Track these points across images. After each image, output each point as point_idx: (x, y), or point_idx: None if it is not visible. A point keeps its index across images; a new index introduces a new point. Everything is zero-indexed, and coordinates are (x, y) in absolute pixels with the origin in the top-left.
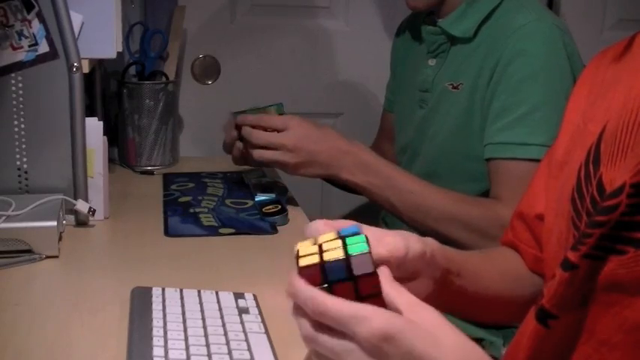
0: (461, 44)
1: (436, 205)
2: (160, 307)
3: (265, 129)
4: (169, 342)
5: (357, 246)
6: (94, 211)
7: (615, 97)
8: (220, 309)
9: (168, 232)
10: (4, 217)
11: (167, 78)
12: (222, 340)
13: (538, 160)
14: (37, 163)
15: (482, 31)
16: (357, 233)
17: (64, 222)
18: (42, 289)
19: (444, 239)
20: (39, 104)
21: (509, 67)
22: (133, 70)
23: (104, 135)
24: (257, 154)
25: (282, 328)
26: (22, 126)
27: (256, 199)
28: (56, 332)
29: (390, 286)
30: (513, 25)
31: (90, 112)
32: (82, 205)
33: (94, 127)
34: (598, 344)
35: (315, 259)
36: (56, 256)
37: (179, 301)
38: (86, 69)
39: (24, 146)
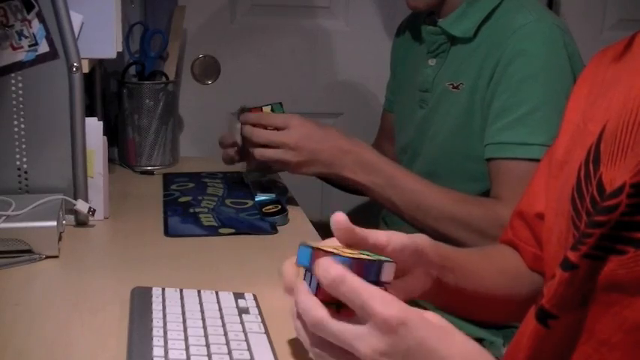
0: (461, 44)
1: (437, 204)
2: (160, 307)
3: (266, 127)
4: (169, 342)
5: (379, 256)
6: (94, 211)
7: (615, 96)
8: (220, 309)
9: (168, 232)
10: (4, 217)
11: (167, 78)
12: (222, 340)
13: (538, 160)
14: (37, 163)
15: (482, 31)
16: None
17: (64, 222)
18: (42, 289)
19: (445, 238)
20: (39, 104)
21: (510, 67)
22: (133, 70)
23: (104, 135)
24: (258, 152)
25: (282, 328)
26: (22, 126)
27: (256, 199)
28: (56, 332)
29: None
30: (513, 25)
31: (90, 112)
32: (82, 205)
33: (94, 127)
34: (598, 344)
35: (350, 252)
36: (56, 256)
37: (179, 301)
38: (86, 69)
39: (24, 146)
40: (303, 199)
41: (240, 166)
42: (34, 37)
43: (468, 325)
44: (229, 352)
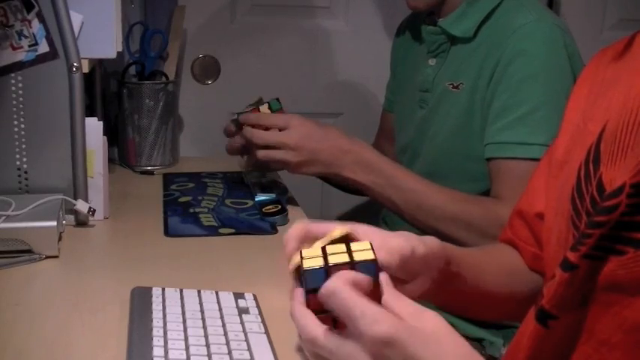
0: (461, 44)
1: (438, 204)
2: (160, 307)
3: (267, 128)
4: (169, 342)
5: (363, 253)
6: (94, 211)
7: (615, 96)
8: (220, 309)
9: (168, 232)
10: (4, 217)
11: (167, 78)
12: (222, 340)
13: (538, 160)
14: (37, 163)
15: (482, 31)
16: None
17: (64, 222)
18: (42, 289)
19: (445, 238)
20: (39, 104)
21: (510, 66)
22: (133, 70)
23: (104, 135)
24: (259, 154)
25: (282, 328)
26: (22, 126)
27: (256, 199)
28: (56, 332)
29: (389, 294)
30: (513, 25)
31: (90, 112)
32: (81, 205)
33: (94, 127)
34: (598, 344)
35: (319, 262)
36: (56, 256)
37: (179, 301)
38: (86, 69)
39: (24, 146)
40: (303, 199)
41: (240, 166)
42: (34, 37)
43: (468, 325)
44: (229, 352)
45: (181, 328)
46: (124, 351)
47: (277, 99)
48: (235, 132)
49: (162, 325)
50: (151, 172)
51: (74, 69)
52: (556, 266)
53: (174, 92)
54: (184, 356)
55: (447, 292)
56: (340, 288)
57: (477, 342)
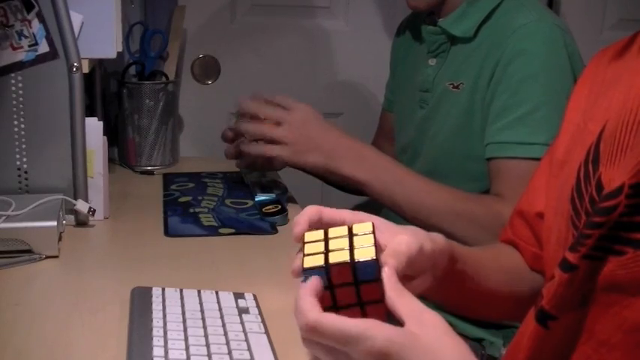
0: (461, 44)
1: (440, 201)
2: (160, 307)
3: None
4: (169, 342)
5: (364, 250)
6: (94, 211)
7: (615, 96)
8: (220, 309)
9: (168, 232)
10: (4, 217)
11: (167, 78)
12: (222, 340)
13: (539, 159)
14: (37, 163)
15: (482, 30)
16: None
17: (64, 222)
18: (42, 289)
19: (447, 236)
20: (39, 104)
21: (510, 66)
22: (133, 70)
23: (104, 135)
24: (255, 129)
25: (282, 328)
26: (22, 126)
27: (256, 199)
28: (56, 332)
29: (393, 292)
30: (514, 25)
31: (90, 112)
32: (82, 205)
33: (94, 127)
34: (598, 344)
35: (319, 261)
36: (56, 256)
37: (179, 301)
38: (86, 69)
39: (24, 146)
40: (303, 199)
41: (237, 166)
42: (34, 37)
43: (467, 325)
44: (229, 352)
45: (181, 328)
46: (124, 351)
47: None
48: (233, 138)
49: (162, 325)
50: (151, 172)
51: (74, 69)
52: (555, 265)
53: (174, 92)
54: (184, 356)
55: (448, 290)
56: (317, 322)
57: (476, 342)
